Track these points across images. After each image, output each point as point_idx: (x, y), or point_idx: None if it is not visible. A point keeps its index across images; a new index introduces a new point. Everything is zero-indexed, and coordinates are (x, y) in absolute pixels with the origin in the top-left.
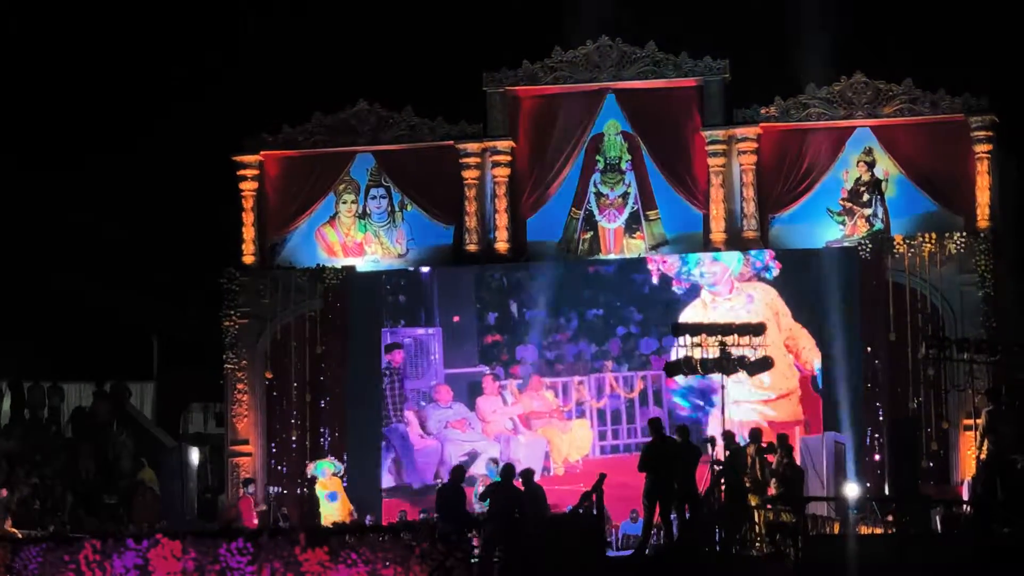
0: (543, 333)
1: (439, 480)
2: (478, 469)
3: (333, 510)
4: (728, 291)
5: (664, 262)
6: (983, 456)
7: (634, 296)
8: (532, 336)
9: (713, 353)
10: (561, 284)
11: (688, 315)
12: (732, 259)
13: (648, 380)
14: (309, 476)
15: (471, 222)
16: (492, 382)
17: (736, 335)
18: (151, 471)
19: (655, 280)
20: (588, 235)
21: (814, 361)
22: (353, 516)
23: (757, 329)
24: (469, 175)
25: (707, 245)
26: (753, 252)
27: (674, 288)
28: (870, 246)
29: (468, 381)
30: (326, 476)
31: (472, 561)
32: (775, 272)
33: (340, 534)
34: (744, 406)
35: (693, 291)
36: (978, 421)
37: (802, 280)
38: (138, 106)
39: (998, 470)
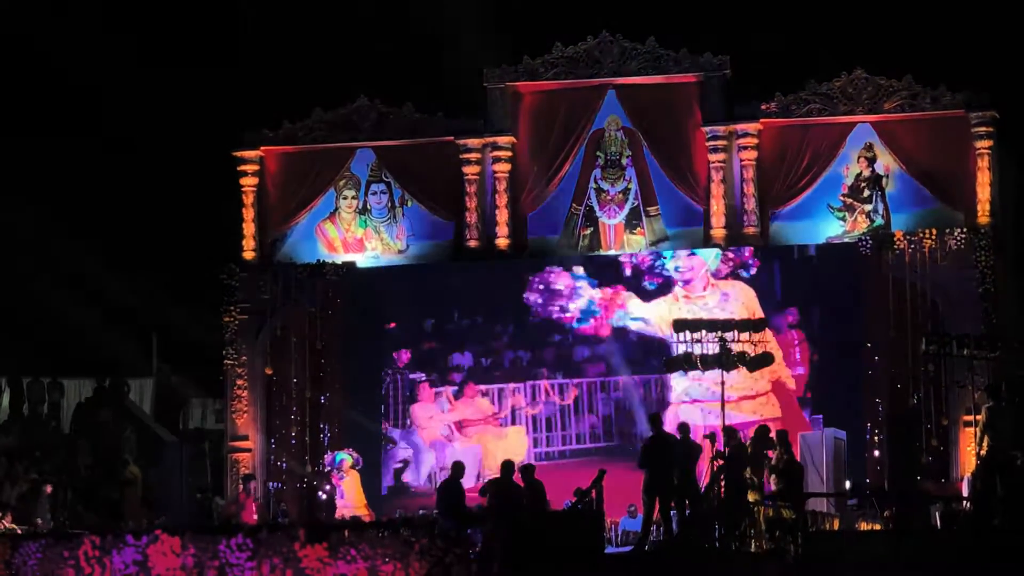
0: (479, 340)
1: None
2: (411, 477)
3: (348, 502)
4: (703, 287)
5: (638, 255)
6: (983, 452)
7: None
8: (468, 343)
9: (713, 349)
10: (497, 288)
11: (651, 311)
12: (710, 255)
13: (583, 387)
14: (326, 468)
15: (472, 218)
16: (428, 389)
17: (736, 331)
18: (136, 468)
19: (628, 273)
20: (588, 231)
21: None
22: (369, 511)
23: (758, 325)
24: (470, 171)
25: (707, 241)
26: (733, 249)
27: (645, 282)
28: (870, 242)
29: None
30: (344, 468)
31: (471, 557)
32: (753, 270)
33: (339, 530)
34: (697, 405)
35: (666, 286)
36: (978, 417)
37: (791, 277)
38: (139, 101)
39: (997, 466)
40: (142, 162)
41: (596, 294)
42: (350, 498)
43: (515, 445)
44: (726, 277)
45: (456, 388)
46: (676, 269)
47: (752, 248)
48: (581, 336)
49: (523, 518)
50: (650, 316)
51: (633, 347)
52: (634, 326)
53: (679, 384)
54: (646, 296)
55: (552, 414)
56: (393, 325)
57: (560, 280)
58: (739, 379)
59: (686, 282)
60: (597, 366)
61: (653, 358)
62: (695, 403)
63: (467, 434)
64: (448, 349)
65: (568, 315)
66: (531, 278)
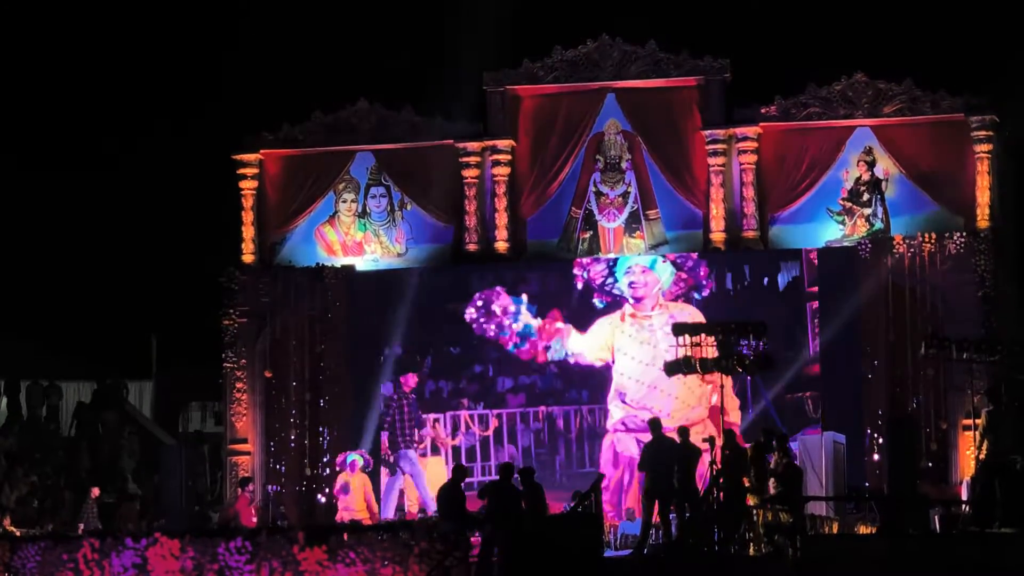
0: (398, 370)
1: None
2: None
3: (352, 503)
4: (651, 307)
5: (590, 268)
6: (982, 456)
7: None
8: (387, 373)
9: (712, 353)
10: (420, 322)
11: (588, 342)
12: (665, 271)
13: (503, 418)
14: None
15: (471, 221)
16: None
17: (736, 334)
18: (135, 486)
19: (579, 286)
20: (588, 234)
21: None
22: (374, 513)
23: (759, 328)
24: (469, 174)
25: (707, 245)
26: (690, 265)
27: (595, 300)
28: (870, 246)
29: None
30: (355, 470)
31: (471, 560)
32: (706, 292)
33: (338, 533)
34: (632, 435)
35: (615, 305)
36: (977, 421)
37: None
38: (137, 104)
39: (997, 470)
40: (142, 164)
41: (535, 322)
42: (353, 500)
43: (435, 475)
44: (677, 299)
45: None
46: (629, 285)
47: (707, 269)
48: (515, 360)
49: (522, 521)
50: (585, 349)
51: (566, 377)
52: (571, 359)
53: (616, 412)
54: (585, 325)
55: (472, 445)
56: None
57: (499, 302)
58: (677, 406)
59: (637, 300)
60: (518, 397)
61: (586, 389)
62: (630, 432)
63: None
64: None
65: (504, 336)
66: (475, 294)
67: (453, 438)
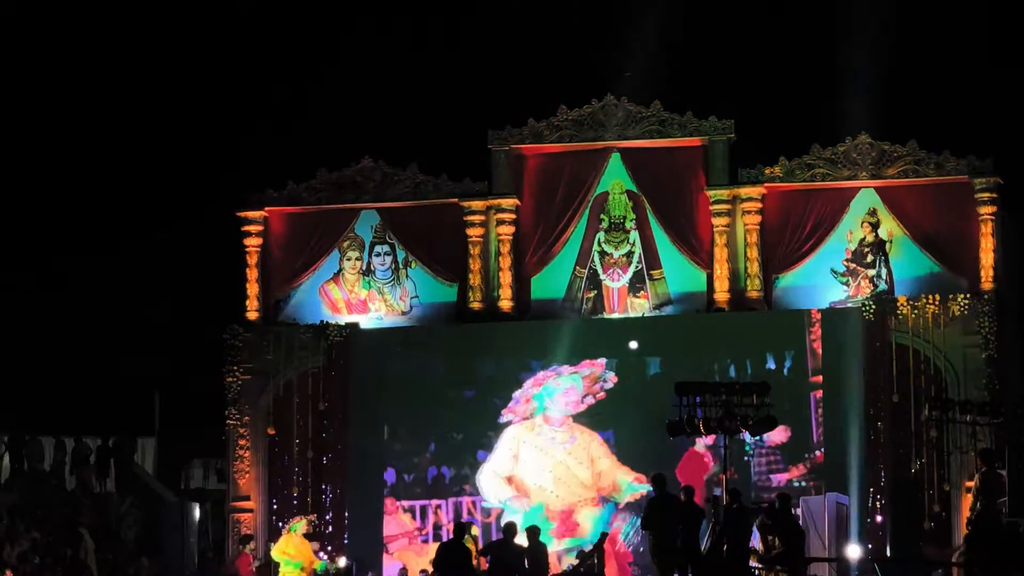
0: (402, 456)
1: None
2: None
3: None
4: (559, 423)
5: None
6: (973, 518)
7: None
8: (392, 459)
9: (715, 413)
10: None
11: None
12: (575, 380)
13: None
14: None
15: (475, 279)
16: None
17: (740, 395)
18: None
19: (503, 419)
20: (592, 294)
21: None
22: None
23: (762, 388)
24: (473, 233)
25: (710, 305)
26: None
27: (503, 416)
28: (874, 307)
29: None
30: (297, 536)
31: None
32: (610, 384)
33: None
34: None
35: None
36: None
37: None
38: (141, 159)
39: (988, 532)
40: (147, 219)
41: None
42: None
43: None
44: (585, 398)
45: None
46: (550, 394)
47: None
48: None
49: None
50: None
51: None
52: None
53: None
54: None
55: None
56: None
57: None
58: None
59: (555, 411)
60: None
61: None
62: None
63: (388, 550)
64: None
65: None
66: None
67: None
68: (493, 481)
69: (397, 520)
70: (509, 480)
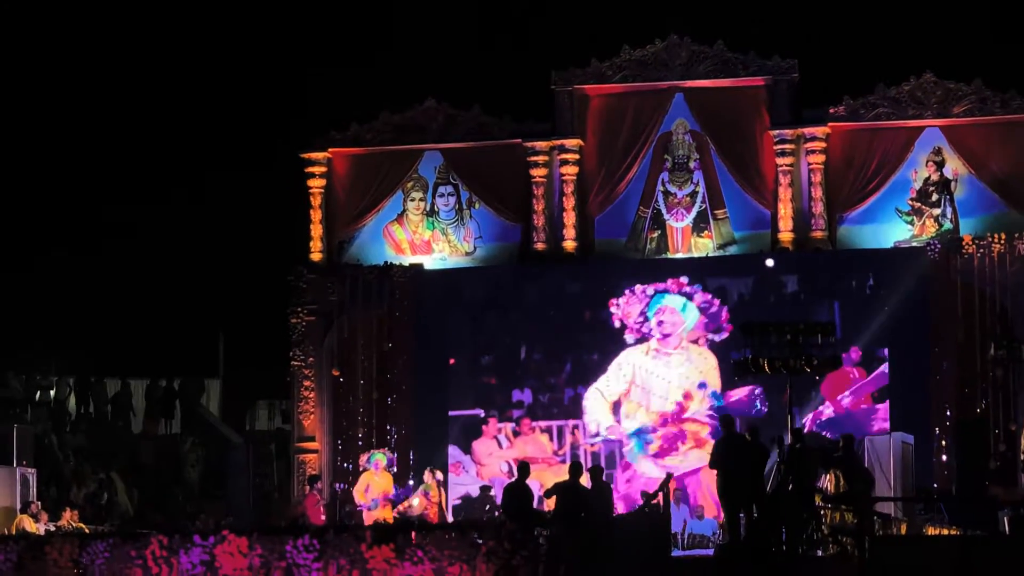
0: (539, 376)
1: None
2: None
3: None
4: (675, 347)
5: (624, 306)
6: None
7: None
8: (528, 379)
9: (780, 352)
10: (556, 327)
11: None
12: (691, 315)
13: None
14: (361, 467)
15: (539, 220)
16: (494, 424)
17: (805, 334)
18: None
19: (616, 325)
20: (656, 234)
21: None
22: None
23: (827, 328)
24: (537, 173)
25: (774, 244)
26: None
27: (626, 336)
28: (939, 246)
29: (462, 424)
30: (379, 469)
31: (539, 559)
32: (725, 335)
33: (406, 531)
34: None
35: (642, 342)
36: None
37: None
38: (207, 101)
39: None
40: (211, 162)
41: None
42: (373, 497)
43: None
44: (696, 341)
45: (513, 425)
46: (659, 323)
47: (727, 314)
48: None
49: (590, 520)
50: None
51: None
52: None
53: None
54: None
55: (612, 451)
56: (452, 362)
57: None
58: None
59: (664, 336)
60: None
61: None
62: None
63: None
64: (508, 385)
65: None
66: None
67: (592, 445)
68: (598, 403)
69: (536, 442)
70: (616, 405)
